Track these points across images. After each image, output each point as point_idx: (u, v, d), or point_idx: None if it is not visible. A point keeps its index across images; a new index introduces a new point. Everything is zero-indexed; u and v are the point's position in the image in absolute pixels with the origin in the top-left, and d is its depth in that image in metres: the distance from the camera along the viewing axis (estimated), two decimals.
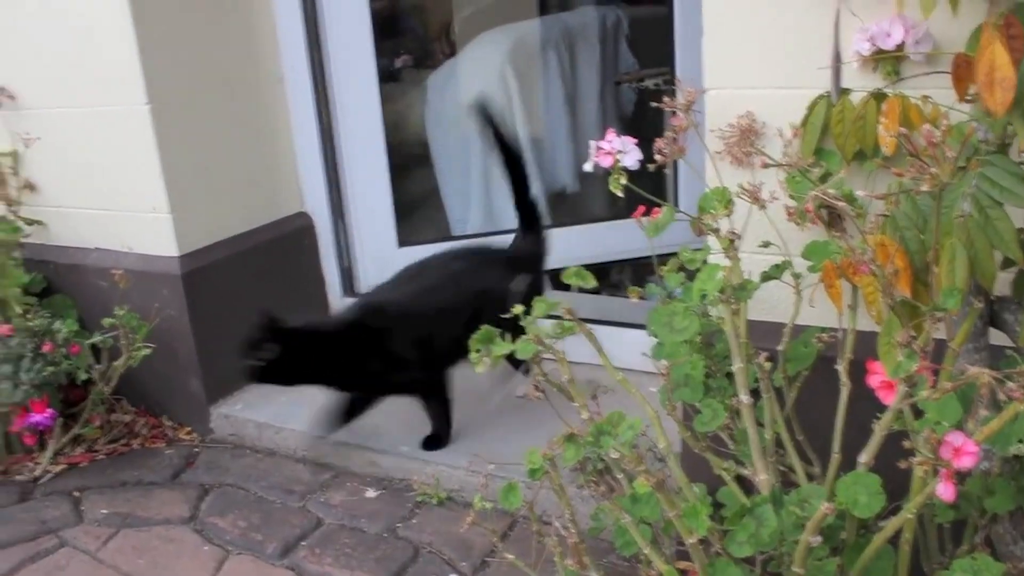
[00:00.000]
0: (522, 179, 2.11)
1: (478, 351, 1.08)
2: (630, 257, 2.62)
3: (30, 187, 2.33)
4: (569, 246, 2.54)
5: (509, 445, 1.83)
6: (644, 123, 2.91)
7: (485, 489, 1.66)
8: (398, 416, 2.07)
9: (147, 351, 2.00)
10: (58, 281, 2.32)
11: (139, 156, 2.12)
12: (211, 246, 2.23)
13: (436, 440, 1.98)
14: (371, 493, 1.93)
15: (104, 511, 1.95)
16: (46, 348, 1.97)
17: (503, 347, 1.07)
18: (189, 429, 2.25)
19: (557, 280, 2.46)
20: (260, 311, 1.81)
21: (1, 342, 1.94)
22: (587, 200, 2.94)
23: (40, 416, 1.92)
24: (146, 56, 2.05)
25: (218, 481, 2.05)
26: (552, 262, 2.53)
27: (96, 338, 2.05)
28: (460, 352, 1.84)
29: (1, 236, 2.24)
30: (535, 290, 2.03)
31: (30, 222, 2.32)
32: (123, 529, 1.89)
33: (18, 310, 2.09)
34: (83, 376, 2.09)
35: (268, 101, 2.38)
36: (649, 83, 2.88)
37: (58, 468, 2.12)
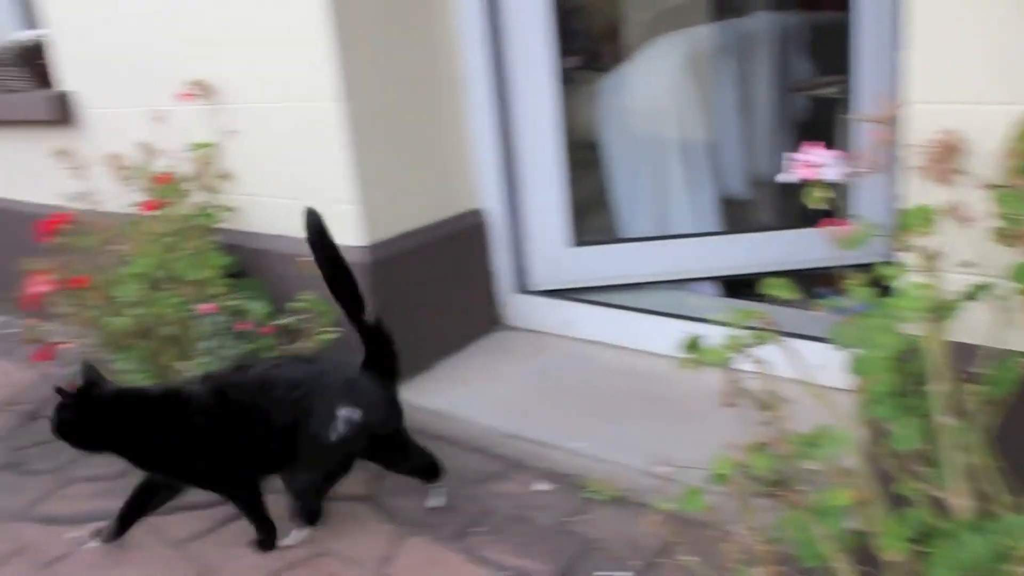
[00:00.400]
0: (356, 299, 1.81)
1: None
2: (798, 268, 2.59)
3: (227, 176, 2.49)
4: (737, 253, 2.54)
5: (683, 449, 1.85)
6: (818, 132, 2.86)
7: (663, 491, 1.70)
8: (569, 412, 2.12)
9: (334, 335, 2.11)
10: (248, 265, 2.47)
11: (330, 150, 2.24)
12: (393, 239, 2.34)
13: (259, 544, 1.86)
14: (541, 486, 1.98)
15: None
16: (242, 327, 2.11)
17: (713, 354, 1.10)
18: None
19: (734, 285, 2.48)
20: (85, 366, 1.81)
21: (209, 318, 2.09)
22: (756, 208, 2.92)
23: None
24: (342, 55, 2.17)
25: None
26: (721, 268, 2.54)
27: (286, 320, 2.18)
28: (270, 460, 1.82)
29: (201, 221, 2.41)
30: (371, 422, 1.78)
31: (225, 209, 2.48)
32: None
33: (217, 291, 2.24)
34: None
35: (448, 101, 2.48)
36: (825, 92, 2.84)
37: None
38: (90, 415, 1.75)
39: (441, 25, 2.42)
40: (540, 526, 1.85)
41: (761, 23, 3.02)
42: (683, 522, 1.73)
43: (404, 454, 1.89)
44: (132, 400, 1.82)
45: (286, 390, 1.77)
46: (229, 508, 1.95)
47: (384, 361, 1.83)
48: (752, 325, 1.21)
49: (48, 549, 1.96)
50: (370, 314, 1.81)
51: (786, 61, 3.01)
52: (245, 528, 1.89)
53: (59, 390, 1.74)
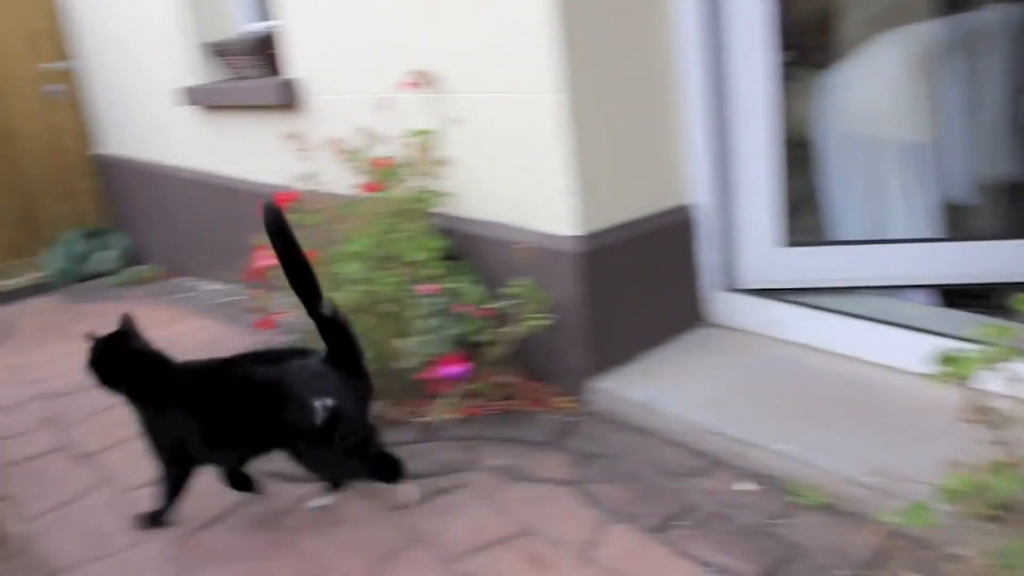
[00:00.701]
0: (313, 291, 1.86)
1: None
2: None
3: (444, 163, 2.59)
4: (959, 261, 2.43)
5: (896, 461, 1.80)
6: None
7: (876, 502, 1.66)
8: (772, 413, 2.10)
9: (545, 321, 2.17)
10: (461, 249, 2.57)
11: (549, 141, 2.29)
12: (605, 230, 2.37)
13: (150, 518, 2.04)
14: (744, 486, 1.97)
15: (497, 462, 2.16)
16: (458, 308, 2.19)
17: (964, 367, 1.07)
18: (567, 398, 2.41)
19: (950, 295, 2.38)
20: (124, 319, 2.04)
21: (427, 299, 2.19)
22: (981, 214, 2.78)
23: (457, 368, 2.15)
24: (566, 48, 2.21)
25: (596, 451, 2.18)
26: (939, 276, 2.44)
27: (500, 304, 2.25)
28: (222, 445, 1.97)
29: (418, 205, 2.52)
30: (340, 415, 1.87)
31: (441, 194, 2.58)
32: (513, 481, 2.09)
33: (433, 272, 2.35)
34: (481, 337, 2.31)
35: (663, 95, 2.48)
36: None
37: (453, 416, 2.36)
38: (109, 360, 2.00)
39: (659, 19, 2.43)
40: (743, 525, 1.85)
41: (994, 17, 2.86)
42: (899, 536, 1.69)
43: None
44: (142, 357, 2.02)
45: (262, 384, 1.92)
46: (445, 479, 2.05)
47: (344, 351, 1.90)
48: (1002, 341, 1.17)
49: (276, 503, 2.12)
50: (326, 306, 1.87)
51: (1019, 59, 2.84)
52: (462, 500, 1.98)
53: (91, 335, 1.99)
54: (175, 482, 2.01)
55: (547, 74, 2.24)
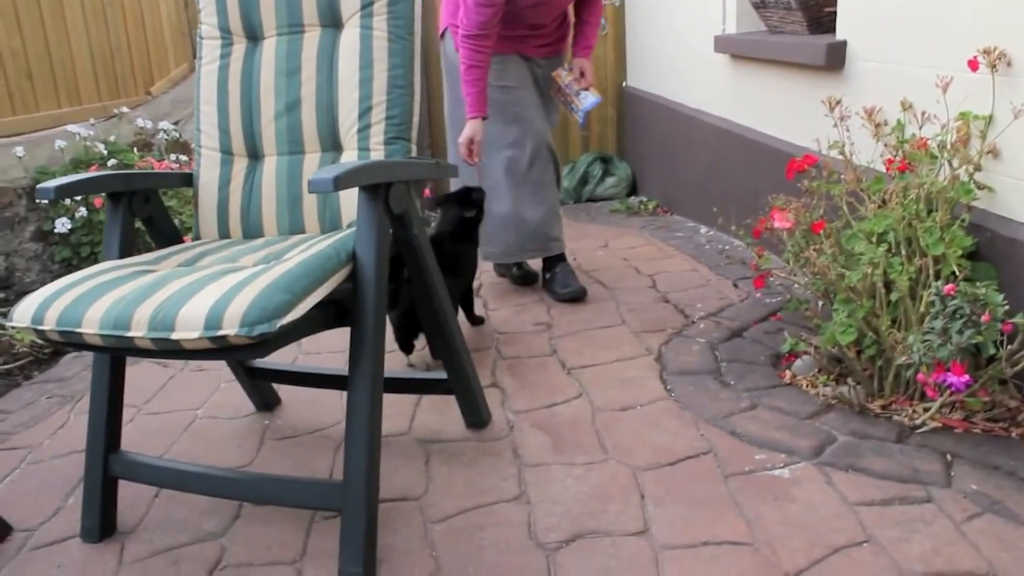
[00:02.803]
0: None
1: None
2: None
3: (994, 153, 2.35)
4: None
5: None
6: None
7: None
8: None
9: None
10: (987, 250, 2.34)
11: None
12: None
13: None
14: None
15: (973, 486, 1.96)
16: (984, 318, 1.99)
17: None
18: None
19: None
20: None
21: (941, 299, 2.03)
22: None
23: (956, 379, 1.98)
24: None
25: None
26: None
27: (1020, 319, 2.02)
28: None
29: (953, 195, 2.32)
30: None
31: (980, 187, 2.36)
32: (988, 513, 1.88)
33: (955, 271, 2.17)
34: (990, 351, 2.09)
35: None
36: None
37: (932, 424, 2.20)
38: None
39: None
40: None
41: None
42: None
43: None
44: None
45: None
46: (913, 488, 1.93)
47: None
48: None
49: (733, 461, 2.14)
50: None
51: None
52: (927, 515, 1.85)
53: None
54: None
55: None
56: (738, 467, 2.10)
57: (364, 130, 2.14)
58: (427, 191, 4.19)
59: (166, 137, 4.70)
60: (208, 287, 1.66)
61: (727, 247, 3.94)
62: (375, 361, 1.77)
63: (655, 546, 1.81)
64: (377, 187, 1.81)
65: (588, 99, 3.35)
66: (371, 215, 1.81)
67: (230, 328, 1.55)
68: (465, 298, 3.16)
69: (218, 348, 1.61)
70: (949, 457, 2.08)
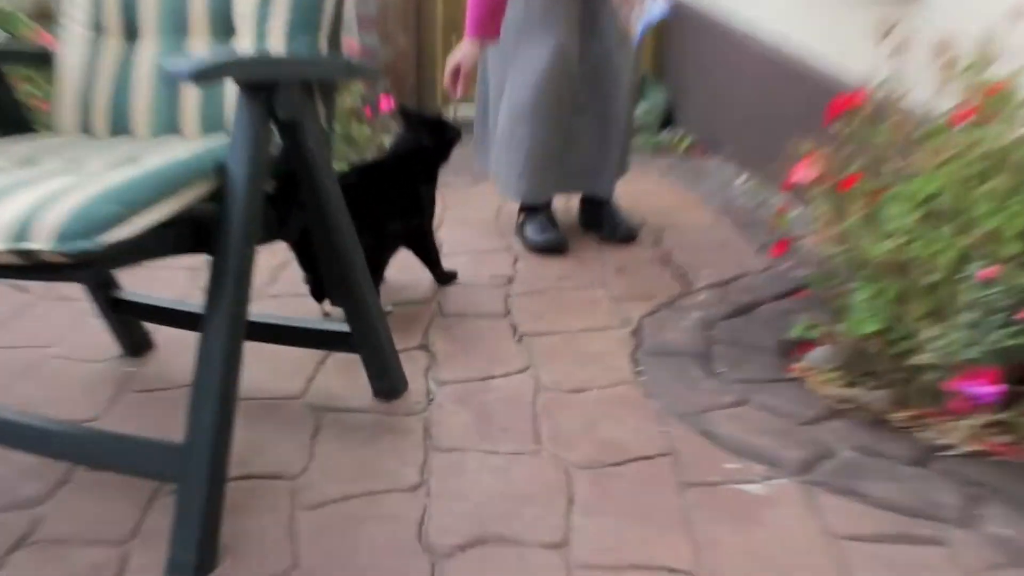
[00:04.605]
0: None
1: None
2: None
3: None
4: None
5: None
6: None
7: None
8: None
9: None
10: None
11: None
12: None
13: None
14: None
15: (1002, 530, 1.90)
16: (1020, 315, 1.95)
17: None
18: None
19: None
20: None
21: (977, 286, 1.98)
22: None
23: (984, 388, 1.93)
24: None
25: None
26: None
27: None
28: None
29: (1020, 156, 2.25)
30: None
31: None
32: (1014, 567, 1.82)
33: (1006, 252, 2.10)
34: None
35: None
36: None
37: (964, 447, 2.15)
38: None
39: None
40: None
41: None
42: None
43: None
44: None
45: None
46: (924, 525, 1.89)
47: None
48: None
49: (696, 468, 2.11)
50: None
51: None
52: (933, 560, 1.81)
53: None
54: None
55: None
56: (701, 476, 2.08)
57: (263, 14, 2.10)
58: (385, 102, 4.17)
59: None
60: (26, 189, 1.63)
61: (764, 203, 3.89)
62: (237, 300, 1.76)
63: (570, 564, 1.79)
64: (259, 87, 1.78)
65: (655, 8, 3.30)
66: (248, 121, 1.78)
67: (42, 241, 1.52)
68: (423, 246, 3.09)
69: (30, 266, 1.58)
70: (971, 489, 2.03)
